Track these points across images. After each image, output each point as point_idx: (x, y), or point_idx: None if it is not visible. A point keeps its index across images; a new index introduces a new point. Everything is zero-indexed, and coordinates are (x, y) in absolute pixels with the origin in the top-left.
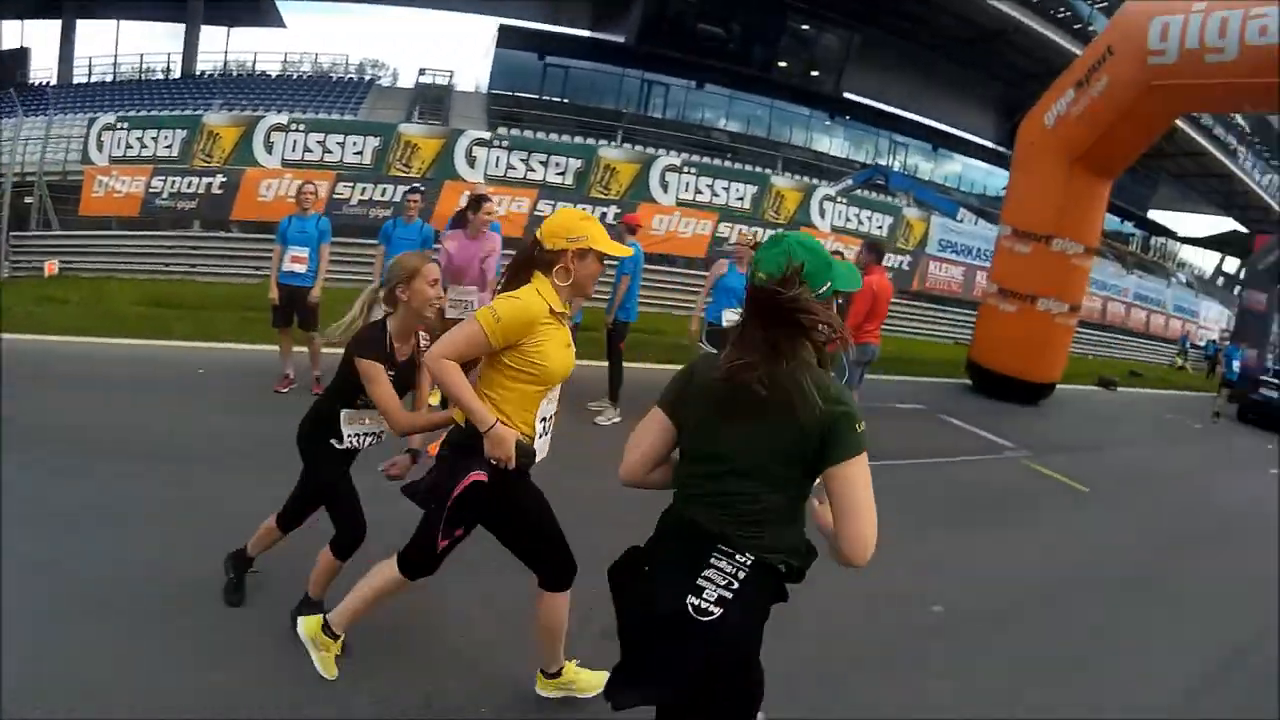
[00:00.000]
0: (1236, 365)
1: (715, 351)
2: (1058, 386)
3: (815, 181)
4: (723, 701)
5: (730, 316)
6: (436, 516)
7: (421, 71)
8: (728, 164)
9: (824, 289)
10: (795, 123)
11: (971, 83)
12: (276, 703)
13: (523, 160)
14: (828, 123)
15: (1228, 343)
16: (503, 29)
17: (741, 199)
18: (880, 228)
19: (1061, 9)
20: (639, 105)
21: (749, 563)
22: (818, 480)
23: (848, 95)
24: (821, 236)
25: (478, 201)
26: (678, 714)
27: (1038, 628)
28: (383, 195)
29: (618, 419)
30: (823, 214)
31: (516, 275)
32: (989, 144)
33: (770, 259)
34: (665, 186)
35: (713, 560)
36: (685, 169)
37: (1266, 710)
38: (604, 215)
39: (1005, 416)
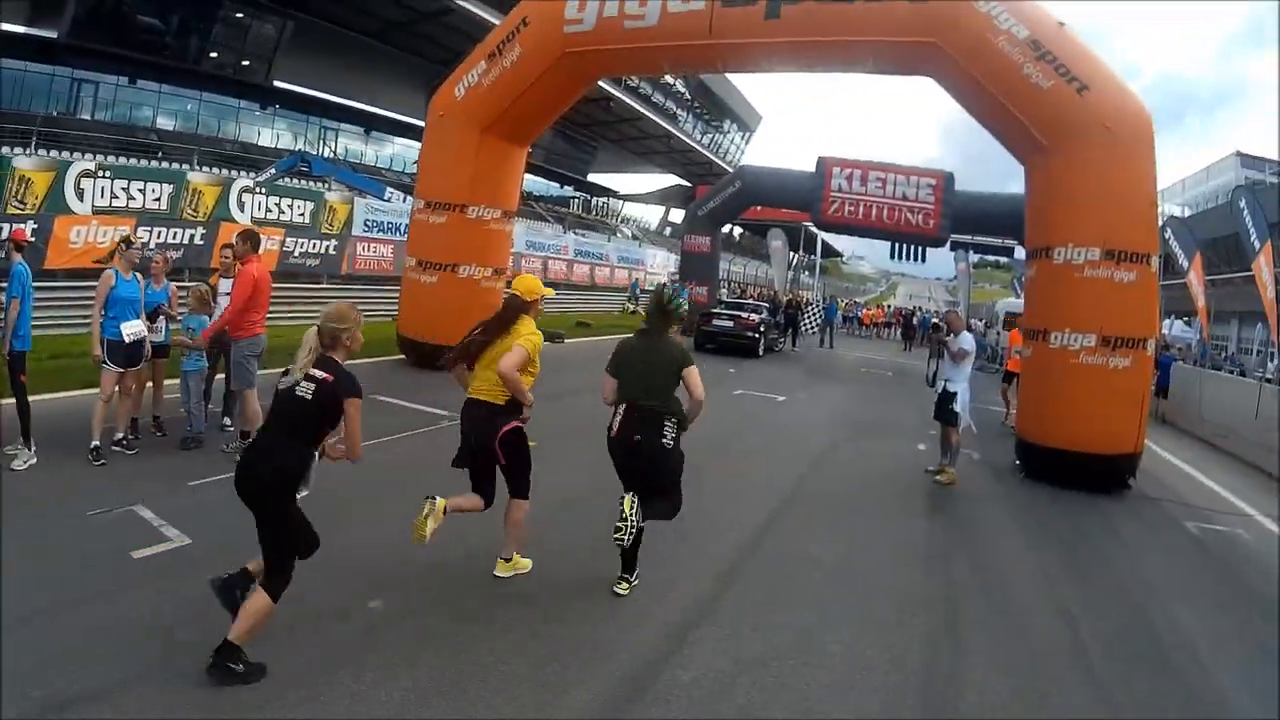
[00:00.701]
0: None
1: (121, 370)
2: None
3: (233, 174)
4: (676, 474)
5: (130, 330)
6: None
7: None
8: (147, 163)
9: (683, 305)
10: (226, 115)
11: (406, 65)
12: None
13: None
14: (258, 113)
15: (675, 283)
16: None
17: (159, 199)
18: (302, 214)
19: None
20: (69, 106)
21: (674, 422)
22: None
23: (279, 84)
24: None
25: None
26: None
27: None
28: None
29: (34, 460)
30: (242, 207)
31: (512, 318)
32: (423, 124)
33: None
34: (81, 194)
35: (664, 423)
36: (100, 173)
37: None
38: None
39: (441, 386)
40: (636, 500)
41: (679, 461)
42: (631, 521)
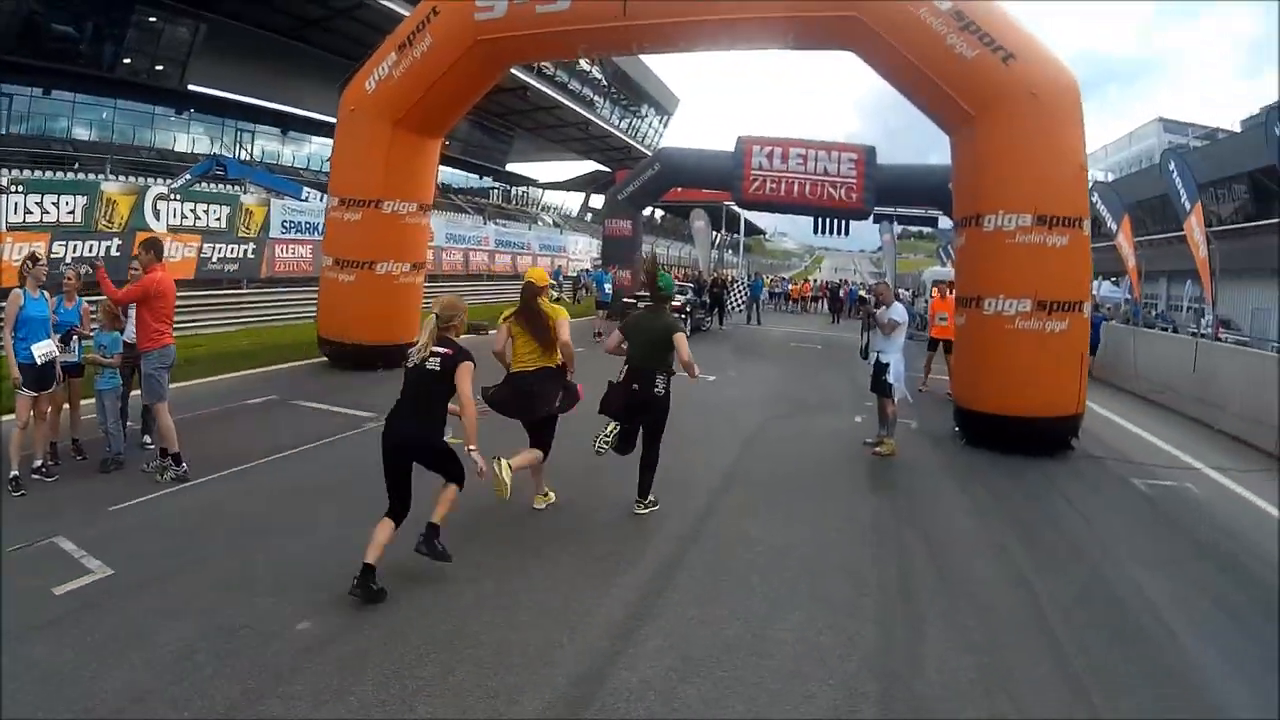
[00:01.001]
0: (608, 288)
1: (35, 394)
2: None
3: (147, 182)
4: (662, 418)
5: (40, 351)
6: (565, 406)
7: None
8: (61, 176)
9: (674, 291)
10: (142, 122)
11: (321, 63)
12: None
13: None
14: (174, 118)
15: (598, 269)
16: None
17: (73, 212)
18: (218, 219)
19: None
20: None
21: (666, 375)
22: None
23: (194, 88)
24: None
25: None
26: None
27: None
28: None
29: None
30: (158, 215)
31: (534, 300)
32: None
33: (665, 280)
34: None
35: (656, 378)
36: (13, 188)
37: None
38: None
39: (363, 387)
40: (616, 429)
41: (665, 406)
42: (609, 437)
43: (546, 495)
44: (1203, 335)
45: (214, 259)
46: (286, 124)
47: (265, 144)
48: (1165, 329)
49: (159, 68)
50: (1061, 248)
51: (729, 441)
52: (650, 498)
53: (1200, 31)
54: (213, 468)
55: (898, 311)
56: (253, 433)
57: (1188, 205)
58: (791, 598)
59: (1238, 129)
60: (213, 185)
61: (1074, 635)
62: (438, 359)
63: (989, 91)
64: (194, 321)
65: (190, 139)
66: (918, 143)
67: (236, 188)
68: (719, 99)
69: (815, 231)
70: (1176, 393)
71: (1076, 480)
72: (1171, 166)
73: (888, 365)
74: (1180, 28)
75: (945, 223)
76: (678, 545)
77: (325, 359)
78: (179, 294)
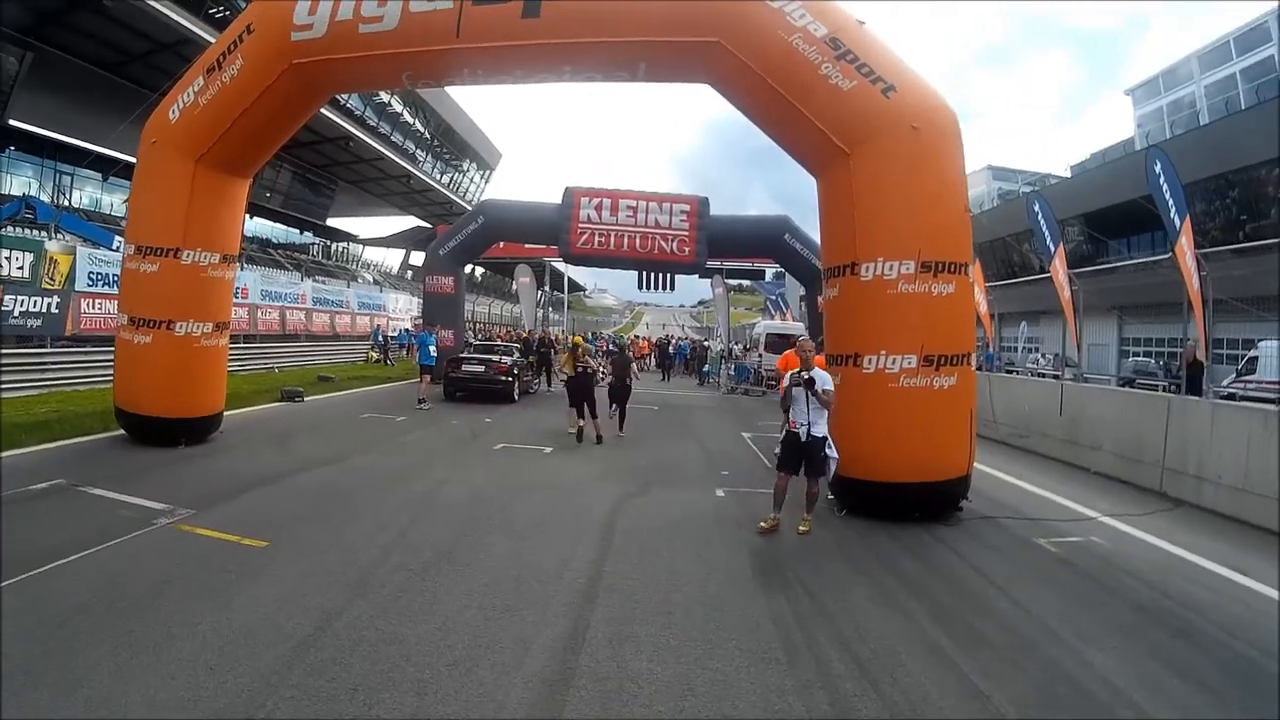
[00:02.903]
0: (432, 349)
1: None
2: (225, 415)
3: None
4: (627, 394)
5: None
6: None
7: None
8: None
9: (627, 346)
10: None
11: (145, 102)
12: None
13: None
14: None
15: (420, 328)
16: None
17: None
18: (21, 268)
19: (225, 8)
20: None
21: (630, 379)
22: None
23: (16, 124)
24: None
25: None
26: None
27: None
28: None
29: None
30: None
31: (577, 349)
32: None
33: (619, 340)
34: None
35: (627, 379)
36: None
37: None
38: None
39: (163, 468)
40: (617, 409)
41: (630, 387)
42: (612, 412)
43: (575, 425)
44: (1043, 374)
45: (16, 312)
46: (109, 168)
47: (89, 189)
48: (1013, 371)
49: None
50: (948, 296)
51: (581, 528)
52: (623, 430)
53: (1016, 80)
54: None
55: (826, 378)
56: (27, 531)
57: (1051, 246)
58: None
59: (1068, 174)
60: (20, 230)
61: None
62: (584, 368)
63: (867, 126)
64: None
65: (8, 179)
66: (735, 195)
67: (43, 234)
68: (537, 157)
69: (640, 286)
70: (1042, 436)
71: (981, 548)
72: (1036, 208)
73: (824, 439)
74: (998, 75)
75: (770, 274)
76: (547, 694)
77: (124, 433)
78: None
